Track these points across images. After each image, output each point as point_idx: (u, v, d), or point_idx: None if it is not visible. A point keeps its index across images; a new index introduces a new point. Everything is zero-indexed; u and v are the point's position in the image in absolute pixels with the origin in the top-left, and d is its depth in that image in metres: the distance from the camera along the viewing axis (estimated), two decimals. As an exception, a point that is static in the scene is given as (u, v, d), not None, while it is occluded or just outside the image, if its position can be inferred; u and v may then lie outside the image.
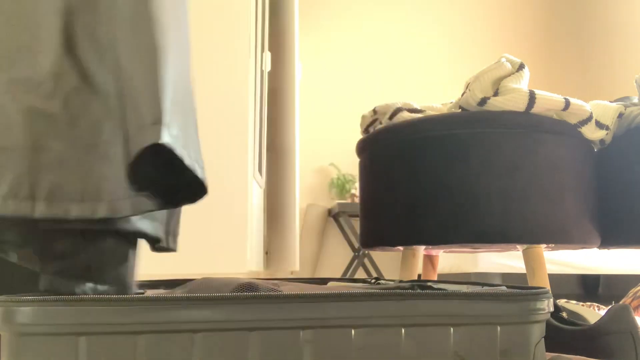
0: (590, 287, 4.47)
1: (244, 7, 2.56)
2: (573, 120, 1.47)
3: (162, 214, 0.69)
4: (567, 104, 1.44)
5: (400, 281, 0.96)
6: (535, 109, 1.42)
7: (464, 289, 0.79)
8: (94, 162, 0.56)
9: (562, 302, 1.36)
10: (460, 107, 1.51)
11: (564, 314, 1.01)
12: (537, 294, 0.58)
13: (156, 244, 0.69)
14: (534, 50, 5.08)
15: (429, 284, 0.91)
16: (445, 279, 1.06)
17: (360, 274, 4.47)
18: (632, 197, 1.50)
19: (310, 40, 4.85)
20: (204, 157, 2.53)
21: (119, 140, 0.58)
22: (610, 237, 1.55)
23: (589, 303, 1.86)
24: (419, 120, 1.50)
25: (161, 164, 0.62)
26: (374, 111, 1.69)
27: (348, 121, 4.80)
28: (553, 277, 4.48)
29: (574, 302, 1.53)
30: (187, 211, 2.48)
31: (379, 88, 4.87)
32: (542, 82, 5.04)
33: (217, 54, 2.52)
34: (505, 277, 4.37)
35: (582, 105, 1.46)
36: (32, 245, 0.62)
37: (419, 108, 1.60)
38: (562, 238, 1.42)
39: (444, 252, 1.85)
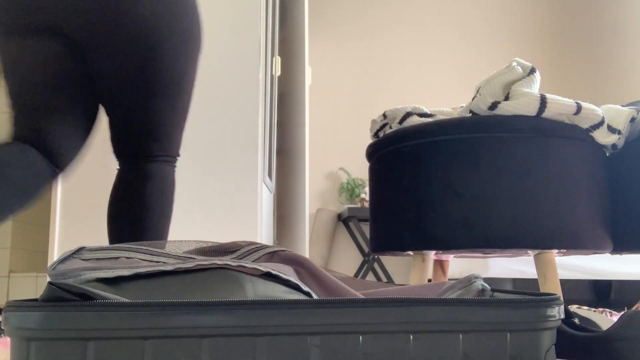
0: (602, 292, 4.43)
1: (254, 13, 2.57)
2: (585, 124, 1.46)
3: None
4: (579, 108, 1.43)
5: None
6: (547, 113, 1.42)
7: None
8: None
9: (574, 307, 1.35)
10: (470, 111, 1.50)
11: (576, 320, 1.00)
12: (547, 300, 0.57)
13: None
14: (546, 54, 5.05)
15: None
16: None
17: (370, 278, 4.46)
18: (645, 202, 1.48)
19: (320, 44, 4.86)
20: (215, 162, 2.53)
21: None
22: (623, 242, 1.53)
23: (600, 309, 1.84)
24: (429, 125, 1.50)
25: None
26: (384, 115, 1.69)
27: (358, 125, 4.80)
28: (564, 283, 4.45)
29: (586, 307, 1.52)
30: (198, 215, 2.49)
31: (389, 92, 4.87)
32: (553, 86, 5.01)
33: (228, 59, 2.52)
34: (517, 282, 4.34)
35: (594, 110, 1.45)
36: None
37: (429, 112, 1.60)
38: (573, 243, 1.41)
39: (454, 257, 1.84)
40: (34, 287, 3.13)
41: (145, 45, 1.26)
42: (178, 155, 1.40)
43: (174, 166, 1.40)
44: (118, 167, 1.39)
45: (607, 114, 1.52)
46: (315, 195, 4.72)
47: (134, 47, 1.26)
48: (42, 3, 1.23)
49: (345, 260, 4.65)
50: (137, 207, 1.31)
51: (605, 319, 1.12)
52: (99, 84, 1.30)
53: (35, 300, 0.56)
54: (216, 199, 2.45)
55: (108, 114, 1.36)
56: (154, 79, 1.30)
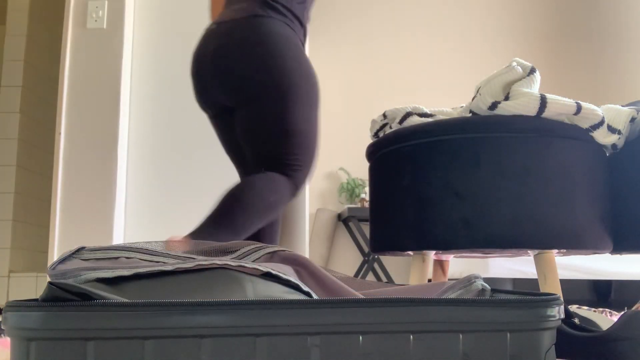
0: (602, 292, 4.43)
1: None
2: (585, 124, 1.46)
3: None
4: (579, 108, 1.43)
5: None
6: (547, 114, 1.42)
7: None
8: None
9: (574, 308, 1.35)
10: (470, 111, 1.50)
11: (576, 320, 1.00)
12: (547, 300, 0.57)
13: None
14: (546, 54, 5.05)
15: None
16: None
17: (370, 278, 4.46)
18: (645, 202, 1.48)
19: (320, 44, 4.86)
20: (215, 162, 2.53)
21: None
22: (623, 242, 1.53)
23: (600, 309, 1.85)
24: (429, 125, 1.50)
25: None
26: (384, 115, 1.69)
27: (358, 125, 4.80)
28: (564, 283, 4.45)
29: (586, 308, 1.52)
30: (198, 215, 2.49)
31: (389, 92, 4.87)
32: (553, 86, 5.01)
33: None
34: (517, 282, 4.35)
35: (594, 110, 1.45)
36: None
37: (429, 112, 1.60)
38: (573, 243, 1.41)
39: (454, 257, 1.84)
40: (34, 287, 3.13)
41: (274, 95, 1.72)
42: (282, 170, 1.75)
43: (290, 176, 1.74)
44: None
45: (607, 114, 1.52)
46: (315, 195, 4.72)
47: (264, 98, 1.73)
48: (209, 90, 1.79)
49: (345, 260, 4.65)
50: (231, 194, 1.62)
51: (605, 319, 1.12)
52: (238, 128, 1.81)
53: (35, 300, 0.56)
54: (217, 199, 2.45)
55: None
56: (272, 121, 1.72)
